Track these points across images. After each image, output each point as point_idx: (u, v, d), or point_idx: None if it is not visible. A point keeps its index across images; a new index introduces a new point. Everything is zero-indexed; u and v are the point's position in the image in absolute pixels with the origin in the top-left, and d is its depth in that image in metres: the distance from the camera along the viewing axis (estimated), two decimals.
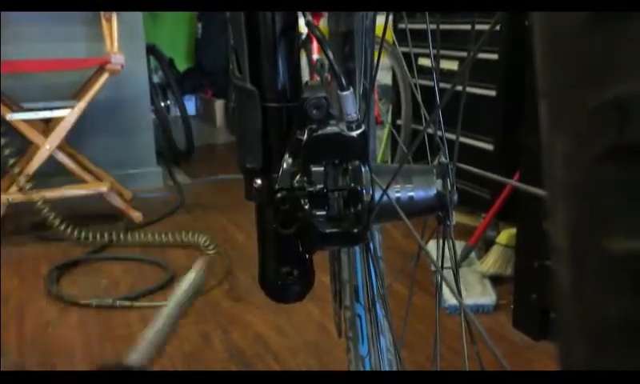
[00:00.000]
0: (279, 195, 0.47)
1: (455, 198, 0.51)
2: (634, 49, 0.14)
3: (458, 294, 0.40)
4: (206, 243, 1.96)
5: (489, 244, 1.76)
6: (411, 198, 0.50)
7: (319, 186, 0.46)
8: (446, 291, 1.56)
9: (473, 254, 1.79)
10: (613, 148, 0.14)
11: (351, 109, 0.45)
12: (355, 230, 0.45)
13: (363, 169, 0.46)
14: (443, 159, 0.51)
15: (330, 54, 0.43)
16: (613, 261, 0.15)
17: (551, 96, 0.16)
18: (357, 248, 0.65)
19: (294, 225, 0.47)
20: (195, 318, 1.55)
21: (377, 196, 0.48)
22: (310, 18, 0.47)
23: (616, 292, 0.15)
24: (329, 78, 0.56)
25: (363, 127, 0.45)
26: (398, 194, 0.50)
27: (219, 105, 4.23)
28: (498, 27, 1.78)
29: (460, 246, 1.78)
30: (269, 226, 0.49)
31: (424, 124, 0.67)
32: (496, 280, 1.68)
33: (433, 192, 0.50)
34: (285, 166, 0.47)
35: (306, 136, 0.45)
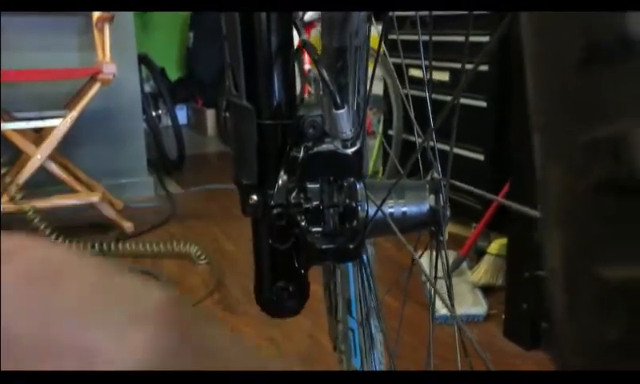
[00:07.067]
0: (275, 211, 0.47)
1: (448, 213, 0.51)
2: (623, 91, 0.15)
3: (451, 306, 0.41)
4: (197, 253, 1.96)
5: (480, 254, 1.77)
6: (404, 213, 0.51)
7: (315, 203, 0.46)
8: (437, 302, 1.57)
9: (464, 264, 1.80)
10: (605, 181, 0.15)
11: (346, 127, 0.45)
12: (351, 246, 0.46)
13: (358, 185, 0.46)
14: (436, 175, 0.52)
15: (325, 74, 0.44)
16: (608, 287, 0.16)
17: (546, 130, 0.17)
18: (350, 263, 0.66)
19: (289, 240, 0.48)
20: None
21: (371, 212, 0.48)
22: (305, 36, 0.47)
23: (611, 316, 0.16)
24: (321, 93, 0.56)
25: (358, 145, 0.46)
26: (391, 210, 0.51)
27: (210, 114, 4.24)
28: (487, 38, 1.79)
29: (451, 255, 1.78)
30: (265, 241, 0.50)
31: (416, 138, 0.68)
32: (487, 290, 1.69)
33: (426, 207, 0.51)
34: (280, 182, 0.48)
35: (302, 153, 0.46)
